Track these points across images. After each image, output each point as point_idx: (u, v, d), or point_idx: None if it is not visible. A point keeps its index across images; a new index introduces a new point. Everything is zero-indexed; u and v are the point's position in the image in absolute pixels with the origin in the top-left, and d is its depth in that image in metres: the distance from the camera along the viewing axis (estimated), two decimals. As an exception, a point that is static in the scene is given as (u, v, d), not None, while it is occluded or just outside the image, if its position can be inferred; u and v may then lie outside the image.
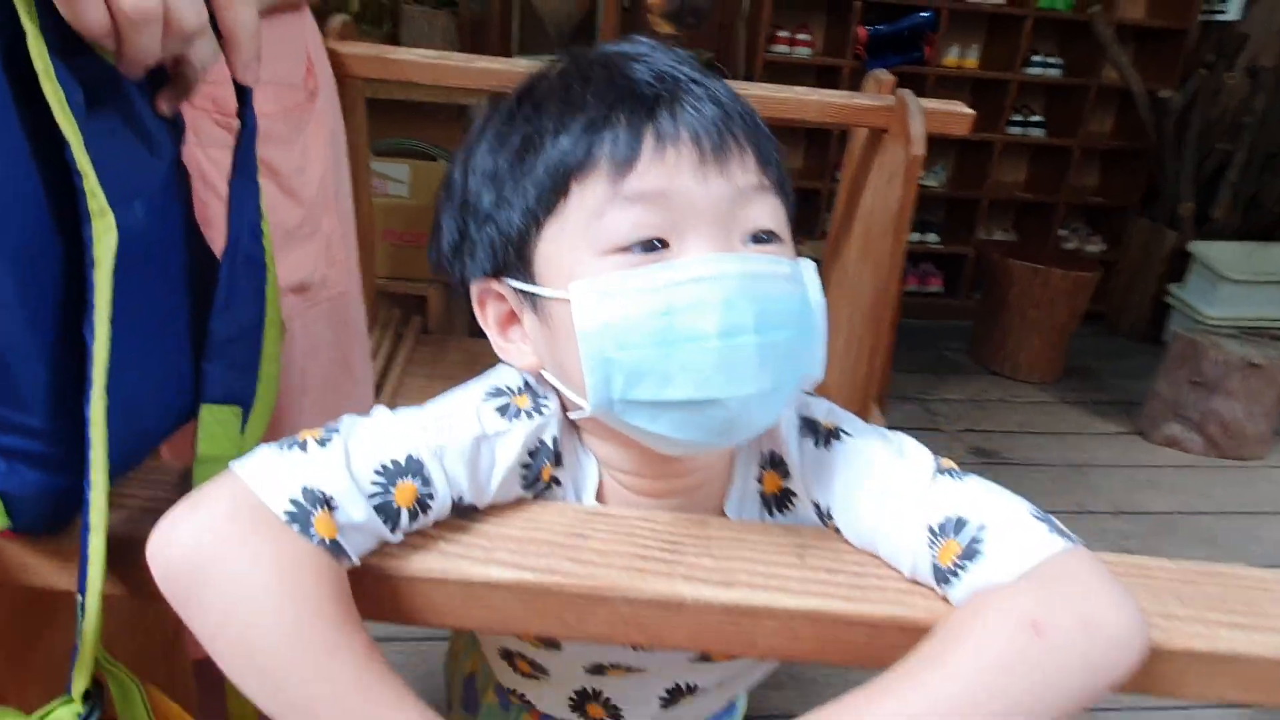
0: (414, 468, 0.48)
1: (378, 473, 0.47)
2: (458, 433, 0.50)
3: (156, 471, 0.54)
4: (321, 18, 1.89)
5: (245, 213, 0.55)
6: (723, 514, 0.57)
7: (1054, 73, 3.47)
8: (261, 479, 0.45)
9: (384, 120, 2.25)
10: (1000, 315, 3.10)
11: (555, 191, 0.48)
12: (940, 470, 0.50)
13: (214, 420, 0.57)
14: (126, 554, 0.46)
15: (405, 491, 0.48)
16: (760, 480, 0.57)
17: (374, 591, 0.49)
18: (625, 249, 0.47)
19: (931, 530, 0.47)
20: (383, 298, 1.91)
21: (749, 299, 0.45)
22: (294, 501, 0.44)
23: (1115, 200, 3.65)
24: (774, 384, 0.46)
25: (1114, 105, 3.64)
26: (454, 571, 0.49)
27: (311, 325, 0.83)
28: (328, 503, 0.45)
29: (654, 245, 0.47)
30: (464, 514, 0.53)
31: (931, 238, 3.63)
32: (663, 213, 0.46)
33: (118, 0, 0.41)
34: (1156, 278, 3.36)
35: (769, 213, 0.49)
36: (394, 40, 2.60)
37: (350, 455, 0.47)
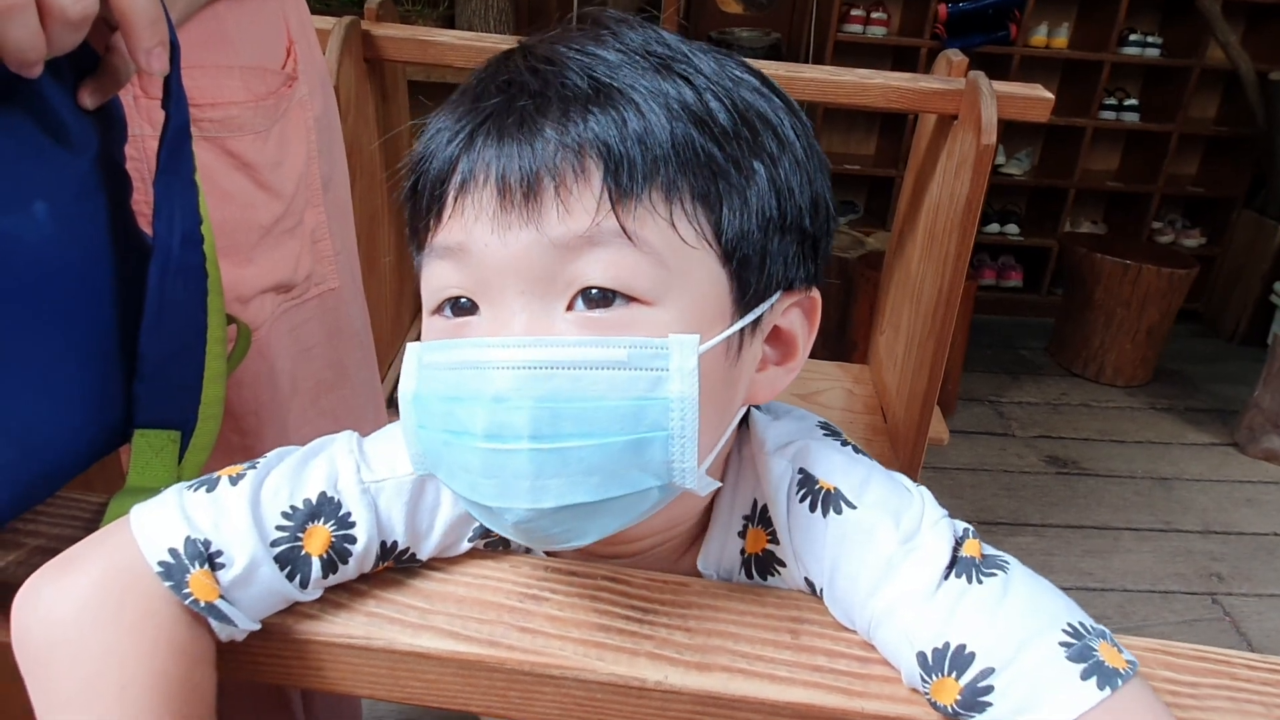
0: (328, 509, 0.42)
1: (285, 515, 0.41)
2: (401, 467, 0.44)
3: (70, 504, 0.49)
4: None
5: (176, 218, 0.49)
6: (696, 573, 0.49)
7: (1152, 52, 3.23)
8: (149, 529, 0.39)
9: (439, 104, 2.19)
10: (1085, 314, 2.91)
11: (412, 234, 0.43)
12: (956, 566, 0.39)
13: (147, 446, 0.51)
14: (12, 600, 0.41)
15: (316, 537, 0.41)
16: (743, 536, 0.48)
17: (284, 656, 0.43)
18: (438, 309, 0.41)
19: (923, 659, 0.38)
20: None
21: (526, 397, 0.35)
22: (172, 553, 0.38)
23: (1217, 191, 3.41)
24: (566, 500, 0.36)
25: (1218, 88, 3.40)
26: (379, 638, 0.43)
27: (300, 325, 0.77)
28: (211, 558, 0.39)
29: (462, 306, 0.39)
30: (406, 564, 0.46)
31: (1012, 229, 3.44)
32: (467, 269, 0.38)
33: None
34: (1261, 276, 3.15)
35: (609, 267, 0.36)
36: (449, 23, 2.55)
37: (260, 495, 0.41)
